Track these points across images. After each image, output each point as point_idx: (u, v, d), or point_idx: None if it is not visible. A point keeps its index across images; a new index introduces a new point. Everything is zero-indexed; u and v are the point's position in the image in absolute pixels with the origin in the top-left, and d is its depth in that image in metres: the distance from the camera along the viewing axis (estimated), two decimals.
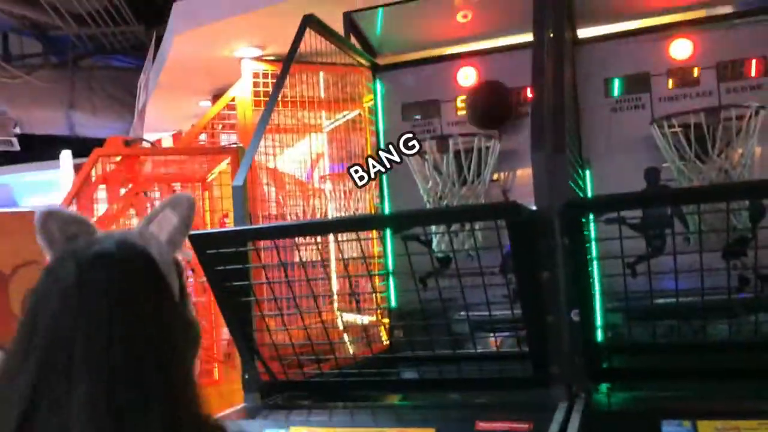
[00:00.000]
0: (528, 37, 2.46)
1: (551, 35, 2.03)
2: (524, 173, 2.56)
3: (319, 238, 2.32)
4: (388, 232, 2.52)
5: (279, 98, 2.42)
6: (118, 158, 3.19)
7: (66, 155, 6.13)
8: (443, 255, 2.42)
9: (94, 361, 0.81)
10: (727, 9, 2.49)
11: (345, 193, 3.66)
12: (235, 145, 3.25)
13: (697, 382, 1.59)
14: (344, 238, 1.77)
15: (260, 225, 2.17)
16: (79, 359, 0.80)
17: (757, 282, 1.99)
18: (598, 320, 1.72)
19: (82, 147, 7.67)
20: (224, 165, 3.24)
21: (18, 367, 0.83)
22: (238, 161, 3.16)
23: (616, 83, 2.47)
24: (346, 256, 2.00)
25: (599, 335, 1.72)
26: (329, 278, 2.62)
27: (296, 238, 1.95)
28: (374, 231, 2.69)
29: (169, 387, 0.83)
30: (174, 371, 0.86)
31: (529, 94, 2.59)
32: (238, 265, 1.69)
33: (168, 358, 0.86)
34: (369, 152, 3.46)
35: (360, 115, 3.43)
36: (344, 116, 3.52)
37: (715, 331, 1.85)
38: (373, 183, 3.31)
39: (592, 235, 1.81)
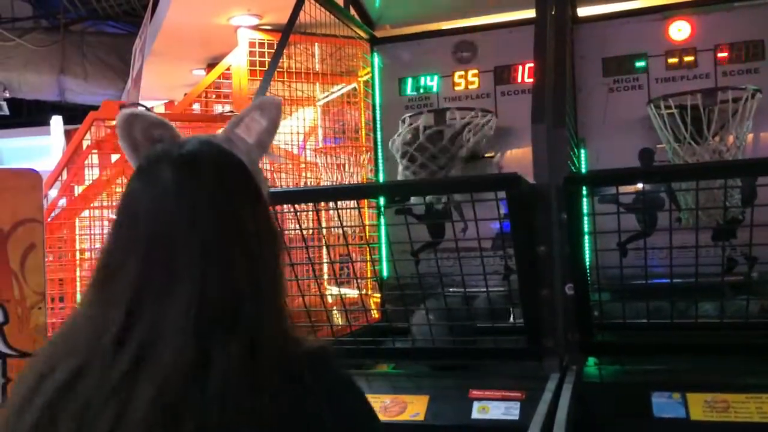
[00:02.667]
0: (528, 13, 2.46)
1: (553, 12, 2.03)
2: (520, 152, 2.57)
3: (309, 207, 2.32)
4: (382, 205, 2.53)
5: (278, 68, 2.40)
6: (113, 123, 3.15)
7: (57, 121, 6.04)
8: (437, 229, 2.43)
9: (193, 262, 0.79)
10: None
11: (338, 166, 3.67)
12: (230, 113, 3.22)
13: (687, 358, 1.63)
14: (341, 206, 1.77)
15: None
16: (179, 259, 0.79)
17: (746, 263, 2.03)
18: (592, 299, 1.74)
19: (72, 113, 7.59)
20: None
21: (119, 265, 0.81)
22: None
23: (613, 63, 2.48)
24: (340, 227, 2.00)
25: (593, 310, 1.74)
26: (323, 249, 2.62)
27: (291, 207, 1.95)
28: (368, 204, 2.71)
29: (259, 294, 0.81)
30: (266, 277, 0.84)
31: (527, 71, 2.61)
32: None
33: (262, 264, 0.84)
34: (363, 127, 3.46)
35: (356, 89, 3.42)
36: (340, 89, 3.51)
37: (704, 311, 1.88)
38: (367, 158, 3.32)
39: (588, 212, 1.83)
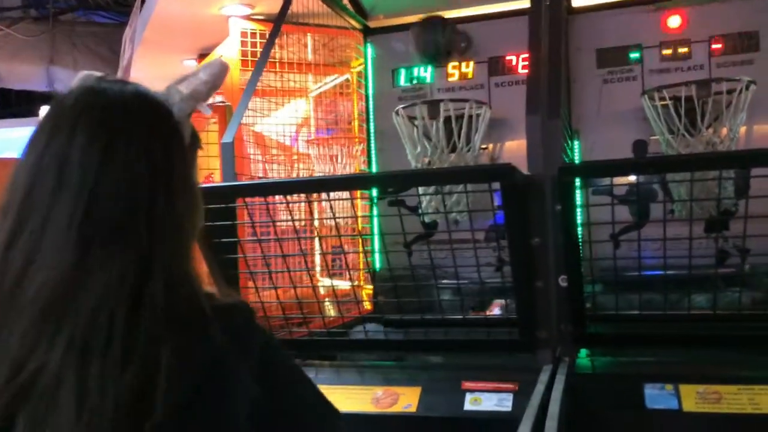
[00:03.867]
0: (523, 4, 2.44)
1: (548, 3, 2.02)
2: (514, 144, 2.56)
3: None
4: (375, 196, 2.52)
5: (270, 58, 2.38)
6: None
7: (45, 111, 5.97)
8: (430, 221, 2.42)
9: (79, 191, 0.77)
10: None
11: (331, 157, 3.65)
12: (222, 104, 3.19)
13: (680, 350, 1.63)
14: (333, 197, 1.76)
15: (250, 181, 2.15)
16: (66, 185, 0.77)
17: (739, 256, 2.03)
18: (585, 291, 1.74)
19: None
20: (210, 124, 3.18)
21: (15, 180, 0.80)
22: (225, 120, 3.12)
23: (607, 54, 2.47)
24: (332, 219, 1.99)
25: (586, 302, 1.74)
26: (314, 240, 2.61)
27: (283, 198, 1.94)
28: (362, 197, 2.70)
29: (154, 241, 0.78)
30: (166, 229, 0.80)
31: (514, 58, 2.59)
32: (225, 221, 1.67)
33: (163, 212, 0.80)
34: (356, 118, 3.44)
35: (348, 80, 3.39)
36: (333, 80, 3.48)
37: (697, 303, 1.88)
38: (360, 149, 3.30)
39: (583, 203, 1.82)
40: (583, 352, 1.71)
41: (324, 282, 2.63)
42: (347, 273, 2.36)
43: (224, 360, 0.78)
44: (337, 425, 0.95)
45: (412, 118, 2.44)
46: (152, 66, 4.65)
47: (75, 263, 0.75)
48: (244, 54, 3.19)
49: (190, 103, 0.90)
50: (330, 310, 2.32)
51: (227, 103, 3.20)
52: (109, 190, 0.78)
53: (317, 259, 2.90)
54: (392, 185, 2.05)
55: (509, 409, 1.41)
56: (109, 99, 0.85)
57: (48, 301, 0.73)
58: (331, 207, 1.64)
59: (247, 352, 0.82)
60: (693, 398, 1.36)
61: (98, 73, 0.93)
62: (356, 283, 2.81)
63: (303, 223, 2.43)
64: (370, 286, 2.60)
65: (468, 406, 1.44)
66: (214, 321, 0.78)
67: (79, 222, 0.76)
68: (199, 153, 0.97)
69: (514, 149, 2.54)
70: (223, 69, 0.94)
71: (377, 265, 2.56)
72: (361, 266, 2.41)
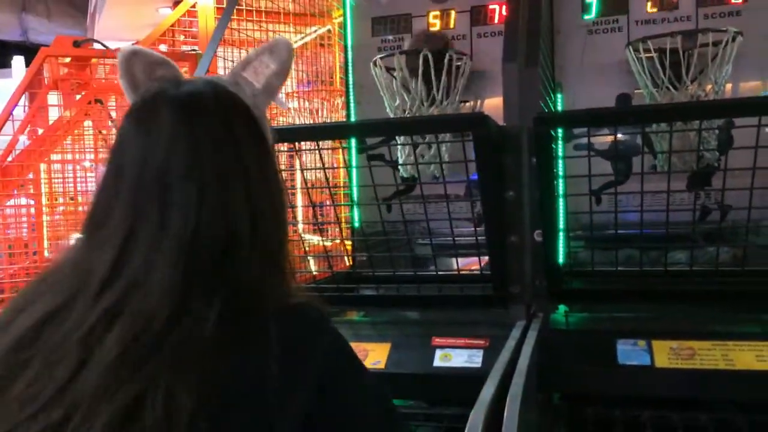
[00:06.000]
0: None
1: None
2: (496, 100, 2.49)
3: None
4: (353, 148, 2.45)
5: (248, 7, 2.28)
6: (68, 60, 3.01)
7: (19, 61, 5.83)
8: (408, 175, 2.37)
9: (189, 206, 0.74)
10: None
11: (311, 111, 3.57)
12: (193, 52, 3.09)
13: (656, 307, 1.60)
14: (306, 148, 1.69)
15: None
16: (174, 204, 0.74)
17: (720, 212, 2.00)
18: (561, 246, 1.70)
19: (35, 54, 7.32)
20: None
21: (106, 211, 0.77)
22: (194, 69, 3.02)
23: (594, 4, 2.39)
24: (309, 171, 1.93)
25: (561, 258, 1.70)
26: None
27: None
28: (339, 149, 2.63)
29: (258, 247, 0.77)
30: (267, 231, 0.80)
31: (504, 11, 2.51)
32: None
33: (264, 214, 0.79)
34: (338, 70, 3.35)
35: (329, 31, 3.30)
36: (314, 31, 3.38)
37: (676, 259, 1.86)
38: (341, 103, 3.23)
39: (560, 155, 1.78)
40: (562, 308, 1.68)
41: (304, 237, 2.59)
42: (326, 230, 2.31)
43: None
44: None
45: (390, 69, 2.37)
46: (127, 14, 4.51)
47: (173, 309, 0.72)
48: (219, 1, 3.08)
49: (265, 97, 0.87)
50: (309, 266, 2.28)
51: (199, 52, 3.10)
52: (215, 217, 0.77)
53: (299, 214, 2.86)
54: (365, 134, 1.98)
55: (479, 365, 1.38)
56: (208, 111, 0.81)
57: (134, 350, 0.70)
58: (299, 159, 1.58)
59: (306, 361, 0.78)
60: (666, 354, 1.34)
61: (140, 48, 0.87)
62: (334, 239, 2.77)
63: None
64: (349, 243, 2.56)
65: (437, 362, 1.41)
66: (273, 324, 0.75)
67: (187, 255, 0.74)
68: None
69: (497, 105, 2.47)
70: (290, 53, 0.88)
71: (356, 222, 2.51)
72: (340, 221, 2.36)
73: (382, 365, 1.43)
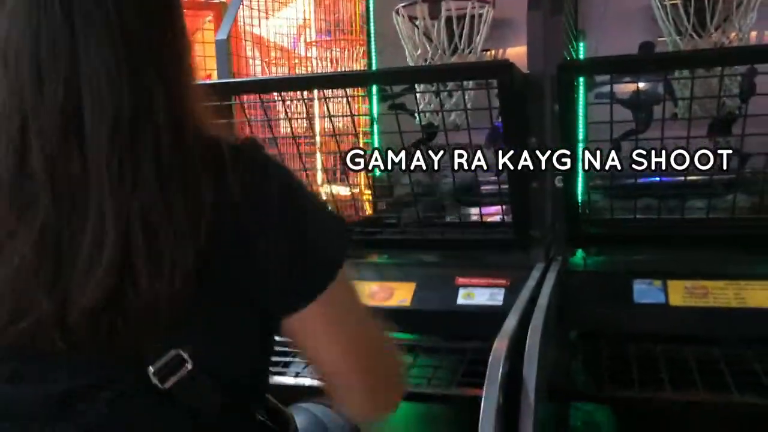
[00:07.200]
0: None
1: None
2: (519, 49, 2.49)
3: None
4: (374, 96, 2.48)
5: None
6: None
7: None
8: (429, 124, 2.40)
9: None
10: None
11: (332, 60, 3.57)
12: (219, 1, 3.11)
13: (672, 251, 1.65)
14: (329, 95, 1.74)
15: (244, 78, 2.12)
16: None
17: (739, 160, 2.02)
18: (580, 192, 1.75)
19: None
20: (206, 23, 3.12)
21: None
22: (221, 18, 3.04)
23: None
24: (327, 120, 1.96)
25: (580, 204, 1.75)
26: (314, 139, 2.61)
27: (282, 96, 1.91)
28: (362, 100, 2.66)
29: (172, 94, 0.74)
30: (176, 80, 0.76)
31: None
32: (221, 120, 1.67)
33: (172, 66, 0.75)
34: (357, 19, 3.34)
35: None
36: None
37: (693, 207, 1.89)
38: (361, 52, 3.23)
39: (581, 104, 1.80)
40: (580, 253, 1.74)
41: (324, 189, 2.65)
42: (347, 179, 2.36)
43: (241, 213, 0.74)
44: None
45: (412, 18, 2.38)
46: None
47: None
48: None
49: None
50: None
51: (223, 0, 3.11)
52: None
53: (318, 163, 2.91)
54: (390, 82, 2.01)
55: (500, 303, 1.45)
56: None
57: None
58: (328, 109, 1.63)
59: (265, 201, 0.77)
60: (680, 293, 1.40)
61: None
62: (356, 189, 2.82)
63: (303, 128, 2.42)
64: (369, 192, 2.61)
65: (461, 300, 1.48)
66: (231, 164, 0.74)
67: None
68: (195, 54, 0.93)
69: (518, 53, 2.47)
70: None
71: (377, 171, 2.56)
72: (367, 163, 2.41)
73: (407, 303, 1.50)
